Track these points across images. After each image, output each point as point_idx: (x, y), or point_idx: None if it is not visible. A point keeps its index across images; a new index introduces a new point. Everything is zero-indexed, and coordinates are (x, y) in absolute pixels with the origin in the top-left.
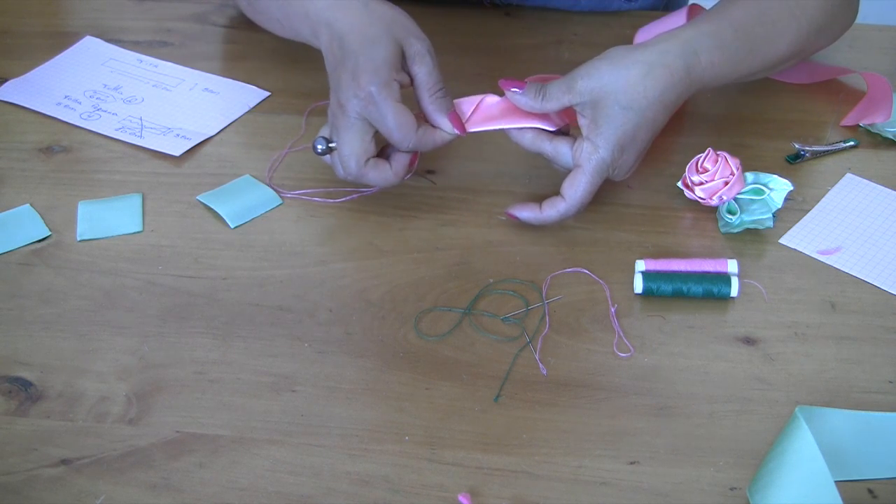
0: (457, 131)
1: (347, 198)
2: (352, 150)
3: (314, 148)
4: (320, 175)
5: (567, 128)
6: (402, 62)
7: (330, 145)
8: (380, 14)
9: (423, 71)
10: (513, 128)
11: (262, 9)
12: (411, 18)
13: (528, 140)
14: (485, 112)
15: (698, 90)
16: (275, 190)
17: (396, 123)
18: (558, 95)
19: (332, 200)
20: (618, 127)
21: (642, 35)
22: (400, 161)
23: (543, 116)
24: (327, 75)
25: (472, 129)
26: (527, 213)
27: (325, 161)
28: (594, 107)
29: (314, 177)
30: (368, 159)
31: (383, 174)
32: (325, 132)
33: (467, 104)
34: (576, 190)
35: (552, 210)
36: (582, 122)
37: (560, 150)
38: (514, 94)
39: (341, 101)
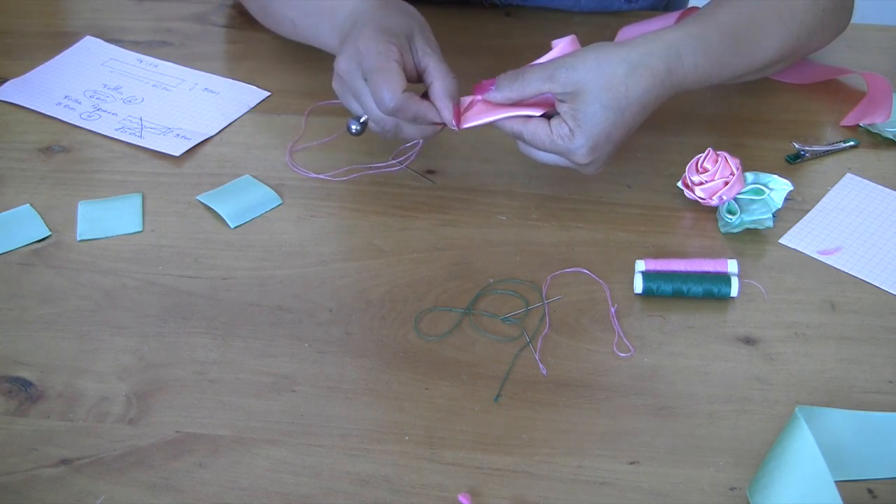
0: (454, 122)
1: (361, 173)
2: (377, 88)
3: (349, 130)
4: (323, 174)
5: (551, 111)
6: (410, 49)
7: (361, 120)
8: (401, 7)
9: (433, 60)
10: (504, 118)
11: (276, 9)
12: (429, 26)
13: (507, 125)
14: (476, 108)
15: (680, 92)
16: (295, 170)
17: (384, 77)
18: (537, 83)
19: (350, 176)
20: (596, 125)
21: (625, 33)
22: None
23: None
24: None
25: (464, 125)
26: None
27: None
28: (574, 99)
29: (316, 177)
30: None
31: (418, 105)
32: (352, 118)
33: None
34: (539, 141)
35: (521, 126)
36: (562, 108)
37: (538, 133)
38: (490, 93)
39: (339, 64)
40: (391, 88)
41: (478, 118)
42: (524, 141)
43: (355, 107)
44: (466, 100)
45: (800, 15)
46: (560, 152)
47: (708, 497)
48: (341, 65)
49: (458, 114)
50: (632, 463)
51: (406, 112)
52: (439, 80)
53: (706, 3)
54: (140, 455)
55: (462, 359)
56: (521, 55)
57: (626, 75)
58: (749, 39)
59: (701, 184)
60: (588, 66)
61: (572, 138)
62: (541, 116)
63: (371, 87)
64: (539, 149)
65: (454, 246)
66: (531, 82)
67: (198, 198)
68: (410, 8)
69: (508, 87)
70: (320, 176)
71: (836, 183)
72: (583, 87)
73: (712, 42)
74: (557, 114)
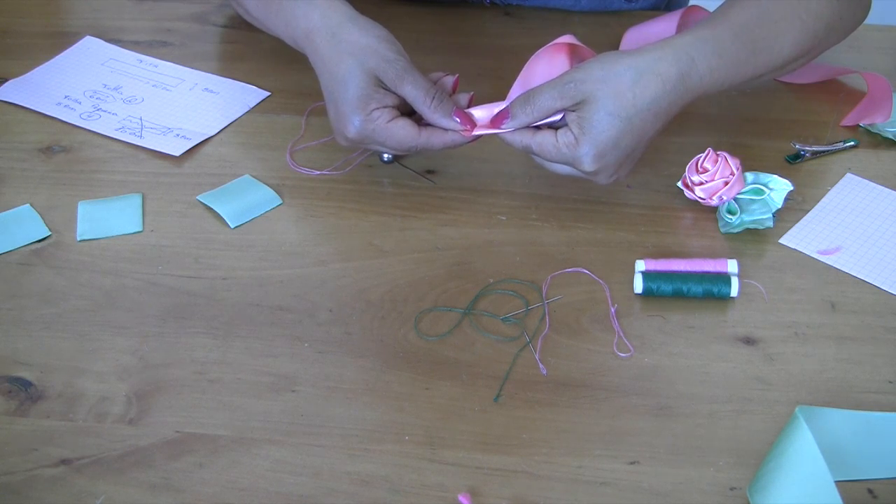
0: (465, 126)
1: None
2: (394, 146)
3: (381, 158)
4: (322, 175)
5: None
6: (384, 86)
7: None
8: (346, 46)
9: (408, 89)
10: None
11: (250, 8)
12: (383, 37)
13: (517, 138)
14: (490, 116)
15: (700, 96)
16: (296, 168)
17: (393, 145)
18: (549, 103)
19: (349, 168)
20: (601, 132)
21: (631, 35)
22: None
23: None
24: None
25: (475, 132)
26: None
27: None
28: (580, 108)
29: (316, 177)
30: (421, 130)
31: (442, 137)
32: None
33: (479, 111)
34: (546, 152)
35: (529, 138)
36: (569, 117)
37: (544, 143)
38: (506, 123)
39: (343, 141)
40: (405, 146)
41: (487, 128)
42: (533, 153)
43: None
44: (490, 106)
45: (815, 8)
46: (567, 161)
47: (708, 497)
48: (347, 141)
49: (466, 116)
50: (632, 463)
51: (433, 148)
52: (425, 108)
53: (715, 3)
54: (140, 455)
55: (462, 359)
56: (521, 55)
57: (634, 82)
58: (764, 38)
59: (701, 184)
60: (595, 77)
61: (577, 146)
62: (548, 128)
63: (388, 146)
64: (547, 160)
65: (454, 246)
66: (543, 104)
67: (198, 198)
68: (361, 38)
69: (522, 112)
70: (322, 172)
71: (836, 183)
72: (590, 97)
73: (725, 43)
74: (566, 124)
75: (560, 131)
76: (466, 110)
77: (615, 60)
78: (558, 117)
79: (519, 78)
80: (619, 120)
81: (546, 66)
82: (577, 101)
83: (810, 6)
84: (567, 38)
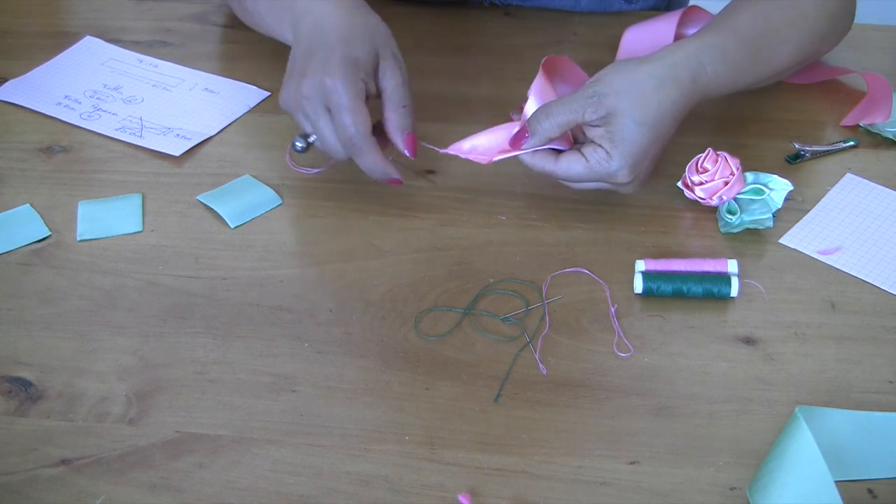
0: (406, 153)
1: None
2: (340, 125)
3: (293, 148)
4: (322, 175)
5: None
6: (375, 72)
7: (309, 140)
8: (364, 22)
9: (392, 84)
10: (525, 153)
11: (249, 5)
12: (393, 36)
13: (538, 162)
14: (497, 141)
15: (703, 100)
16: (294, 168)
17: (352, 118)
18: (569, 117)
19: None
20: (633, 143)
21: (630, 34)
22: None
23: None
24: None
25: (495, 159)
26: (534, 159)
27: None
28: (607, 122)
29: (316, 177)
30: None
31: (375, 160)
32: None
33: (483, 137)
34: (575, 174)
35: (552, 165)
36: (595, 133)
37: (572, 167)
38: (527, 142)
39: (303, 89)
40: (358, 129)
41: (506, 152)
42: (557, 178)
43: (307, 126)
44: (497, 130)
45: (811, 20)
46: (601, 178)
47: (708, 497)
48: (305, 90)
49: (412, 142)
50: (632, 463)
51: (361, 160)
52: (391, 109)
53: (715, 2)
54: (140, 455)
55: (462, 359)
56: (521, 55)
57: (657, 89)
58: (765, 46)
59: (701, 184)
60: (616, 88)
61: (610, 160)
62: (568, 149)
63: (337, 125)
64: (577, 182)
65: (454, 246)
66: (563, 118)
67: (198, 198)
68: (374, 19)
69: (541, 128)
70: (321, 170)
71: (836, 183)
72: (615, 109)
73: (730, 50)
74: (583, 142)
75: (587, 149)
76: (458, 144)
77: (633, 69)
78: (565, 147)
79: (528, 101)
80: (647, 128)
81: (542, 93)
82: (602, 114)
83: (807, 18)
84: (547, 59)
